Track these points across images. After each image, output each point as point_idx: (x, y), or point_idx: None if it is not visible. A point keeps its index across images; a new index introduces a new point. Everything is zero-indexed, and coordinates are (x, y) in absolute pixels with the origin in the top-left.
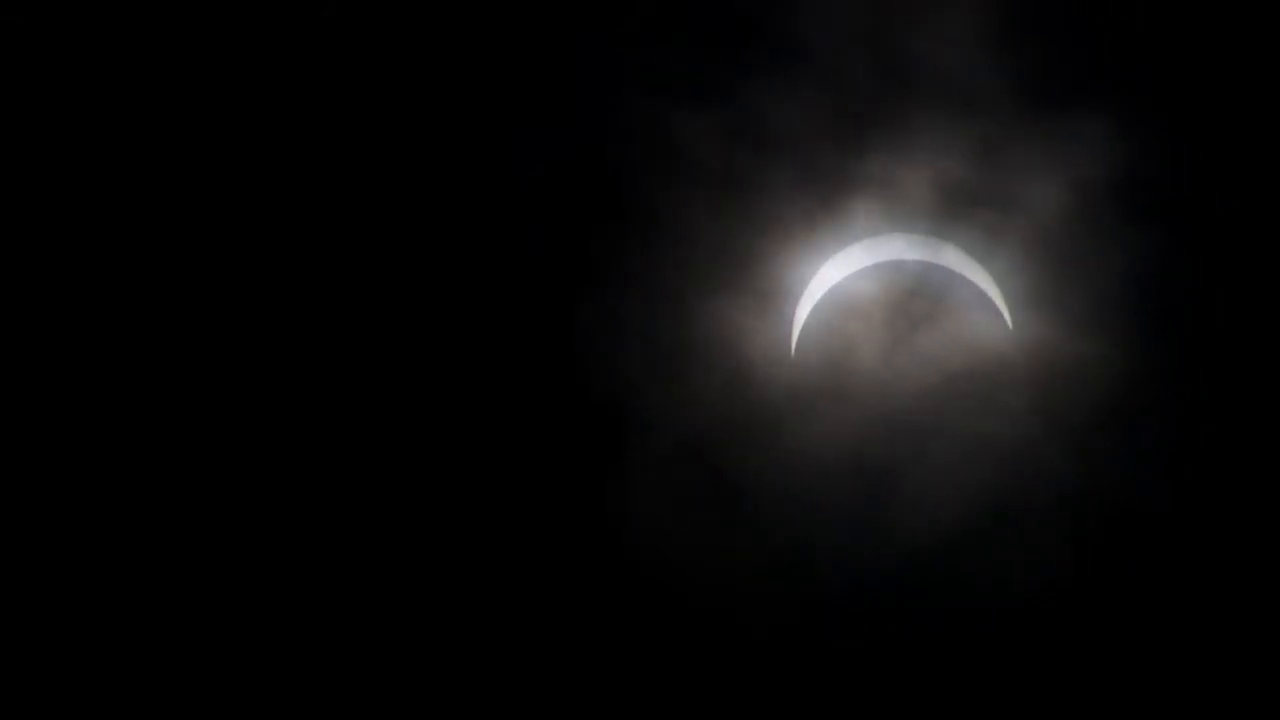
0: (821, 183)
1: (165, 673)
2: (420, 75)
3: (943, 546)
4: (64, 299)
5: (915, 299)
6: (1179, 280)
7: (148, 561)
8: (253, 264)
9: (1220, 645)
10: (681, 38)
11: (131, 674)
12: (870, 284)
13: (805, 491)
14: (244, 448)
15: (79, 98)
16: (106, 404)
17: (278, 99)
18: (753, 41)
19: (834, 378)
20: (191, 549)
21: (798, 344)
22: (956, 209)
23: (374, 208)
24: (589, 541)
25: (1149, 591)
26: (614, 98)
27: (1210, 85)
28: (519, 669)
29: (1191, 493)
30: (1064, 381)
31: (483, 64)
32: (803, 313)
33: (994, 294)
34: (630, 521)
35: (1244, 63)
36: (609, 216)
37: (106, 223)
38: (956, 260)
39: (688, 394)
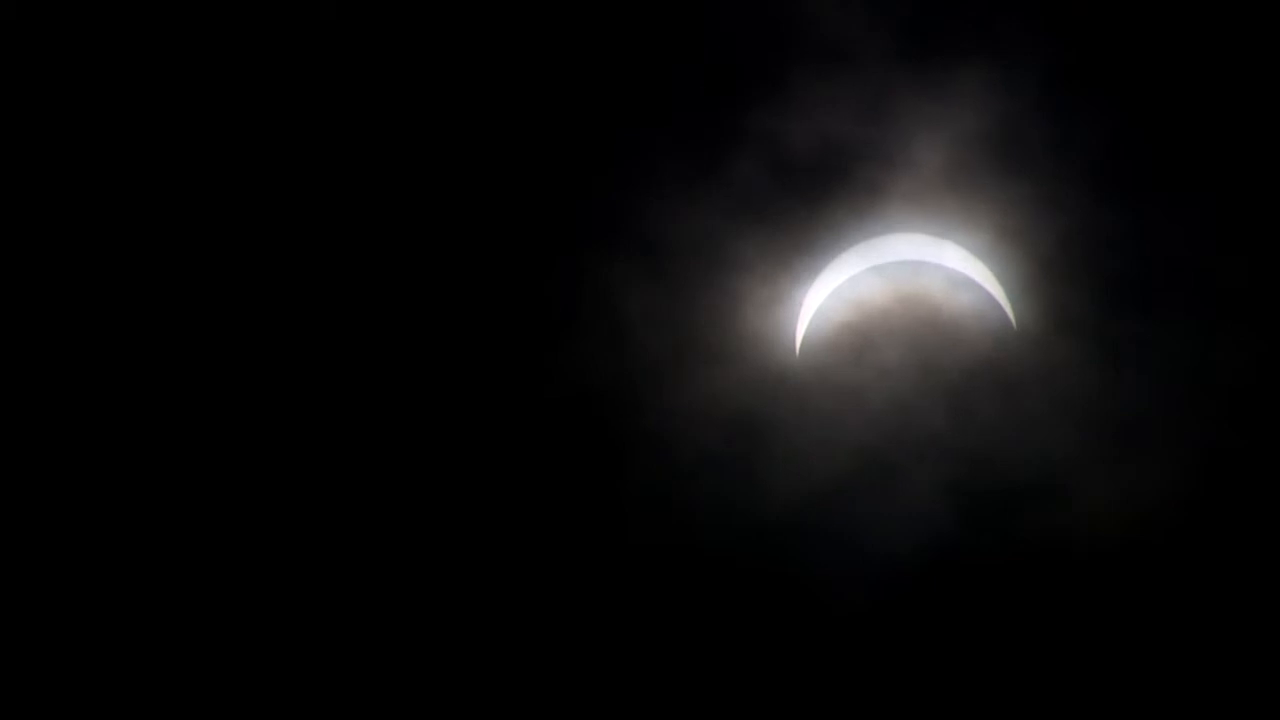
0: (704, 141)
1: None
2: (420, 75)
3: (817, 500)
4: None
5: (799, 256)
6: (1054, 233)
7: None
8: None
9: (1095, 600)
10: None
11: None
12: (751, 242)
13: (682, 446)
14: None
15: (78, 97)
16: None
17: (278, 98)
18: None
19: (714, 333)
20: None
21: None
22: (841, 164)
23: (375, 206)
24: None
25: (1028, 548)
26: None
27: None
28: (425, 630)
29: (1069, 449)
30: (939, 335)
31: (482, 64)
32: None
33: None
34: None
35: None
36: None
37: (105, 222)
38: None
39: (575, 354)
